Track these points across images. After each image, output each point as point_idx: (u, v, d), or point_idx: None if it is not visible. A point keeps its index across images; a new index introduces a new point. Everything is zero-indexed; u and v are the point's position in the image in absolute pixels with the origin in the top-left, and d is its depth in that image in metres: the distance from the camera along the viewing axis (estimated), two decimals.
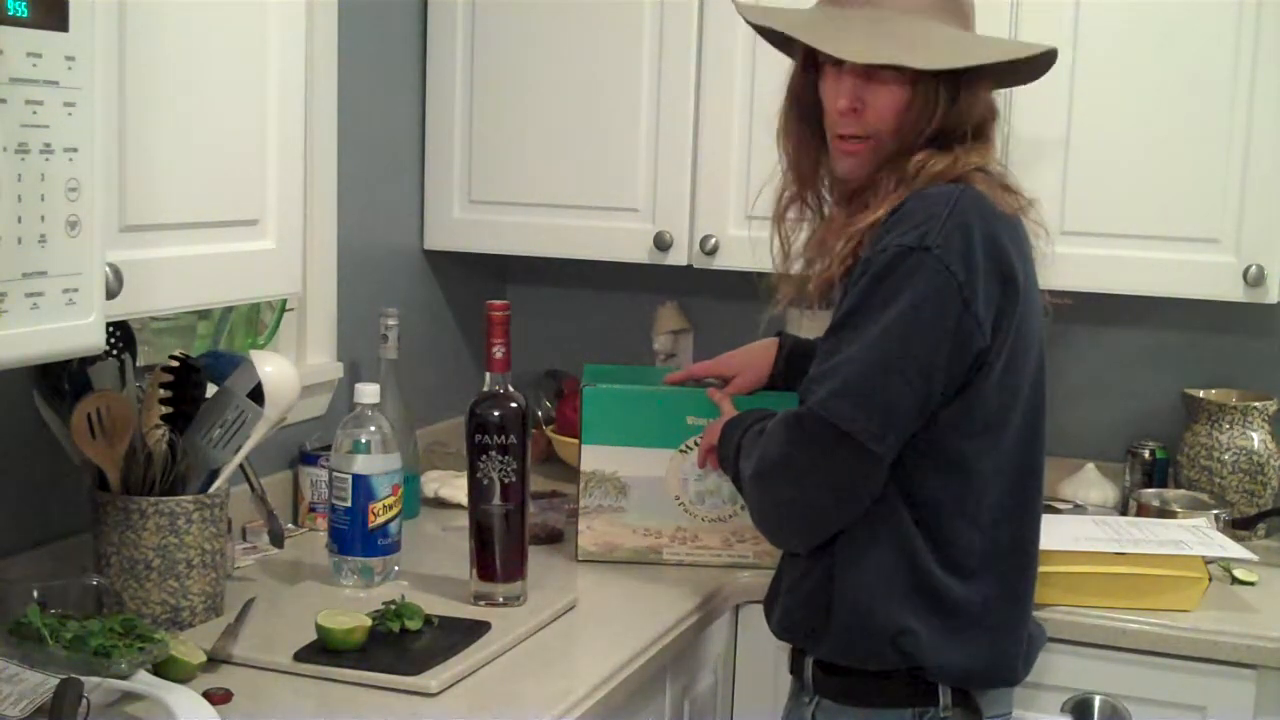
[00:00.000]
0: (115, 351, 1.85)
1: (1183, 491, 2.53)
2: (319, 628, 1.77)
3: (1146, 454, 2.62)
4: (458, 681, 1.73)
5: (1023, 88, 1.96)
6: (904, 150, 1.74)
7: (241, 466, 1.96)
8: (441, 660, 1.75)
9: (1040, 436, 1.79)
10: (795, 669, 1.88)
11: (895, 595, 1.72)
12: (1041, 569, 1.85)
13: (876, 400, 1.64)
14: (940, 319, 1.64)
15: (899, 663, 1.73)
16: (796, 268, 1.87)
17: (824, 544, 1.77)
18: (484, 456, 1.97)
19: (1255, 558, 2.18)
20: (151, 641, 1.64)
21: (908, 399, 1.65)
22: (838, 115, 1.77)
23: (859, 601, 1.74)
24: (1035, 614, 1.87)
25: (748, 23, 1.91)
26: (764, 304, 1.94)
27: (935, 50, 1.72)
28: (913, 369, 1.65)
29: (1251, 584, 2.24)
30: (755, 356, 2.18)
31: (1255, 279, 2.32)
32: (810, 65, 1.82)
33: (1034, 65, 1.83)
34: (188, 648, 1.70)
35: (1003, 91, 2.21)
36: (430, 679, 1.70)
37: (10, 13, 1.25)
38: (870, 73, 1.73)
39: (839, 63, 1.75)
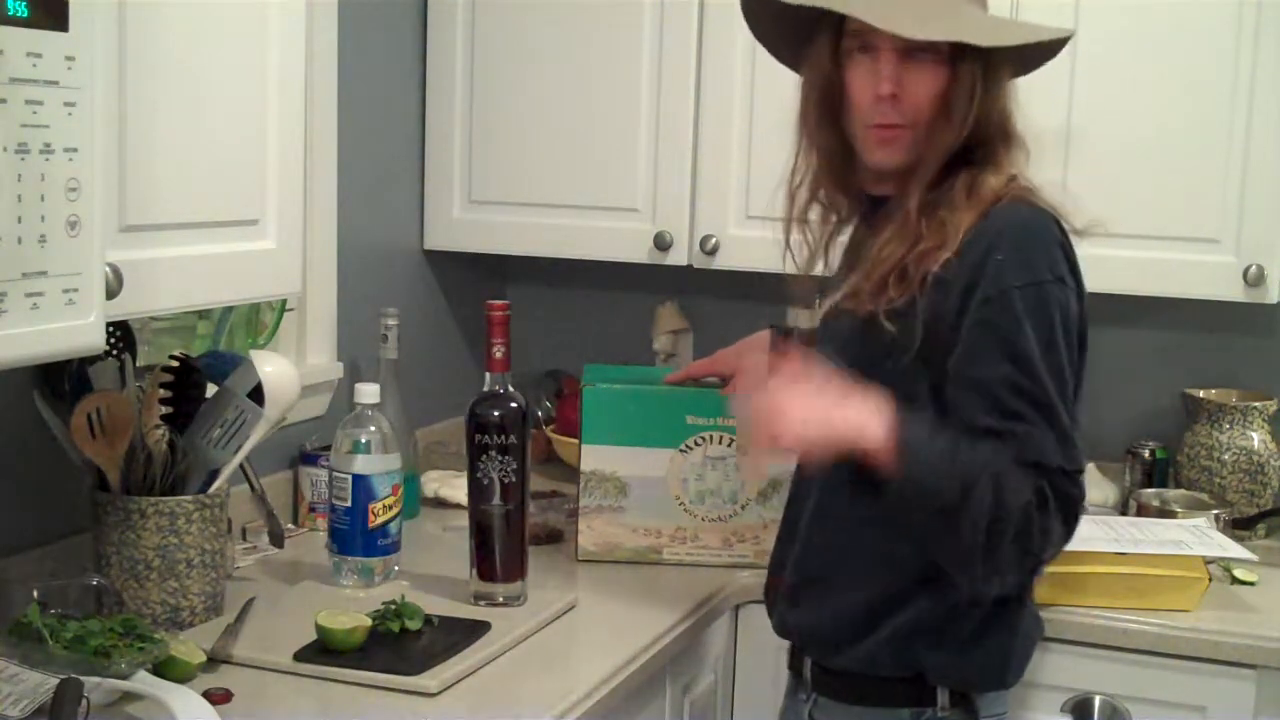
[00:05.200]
0: (115, 351, 1.85)
1: (1183, 491, 2.53)
2: (319, 628, 1.77)
3: (1146, 454, 2.62)
4: (458, 681, 1.73)
5: (1023, 88, 1.95)
6: (943, 143, 1.69)
7: (241, 466, 1.96)
8: (441, 660, 1.75)
9: None
10: (794, 666, 1.88)
11: (902, 606, 1.71)
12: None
13: (1076, 433, 1.65)
14: (1077, 336, 1.68)
15: (899, 670, 1.73)
16: (819, 268, 1.84)
17: (834, 552, 1.77)
18: (484, 456, 1.97)
19: (1255, 558, 2.18)
20: (151, 641, 1.64)
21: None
22: (874, 102, 1.70)
23: (864, 611, 1.73)
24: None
25: (760, 19, 1.81)
26: (762, 303, 1.93)
27: (985, 30, 1.68)
28: (1075, 389, 1.68)
29: (1251, 584, 2.24)
30: (750, 352, 2.19)
31: (1255, 279, 2.32)
32: (834, 56, 1.75)
33: (1043, 52, 1.79)
34: (188, 648, 1.70)
35: None
36: (430, 679, 1.70)
37: (10, 13, 1.25)
38: (907, 56, 1.68)
39: (868, 49, 1.69)
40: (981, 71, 1.68)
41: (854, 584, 1.75)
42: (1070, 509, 1.63)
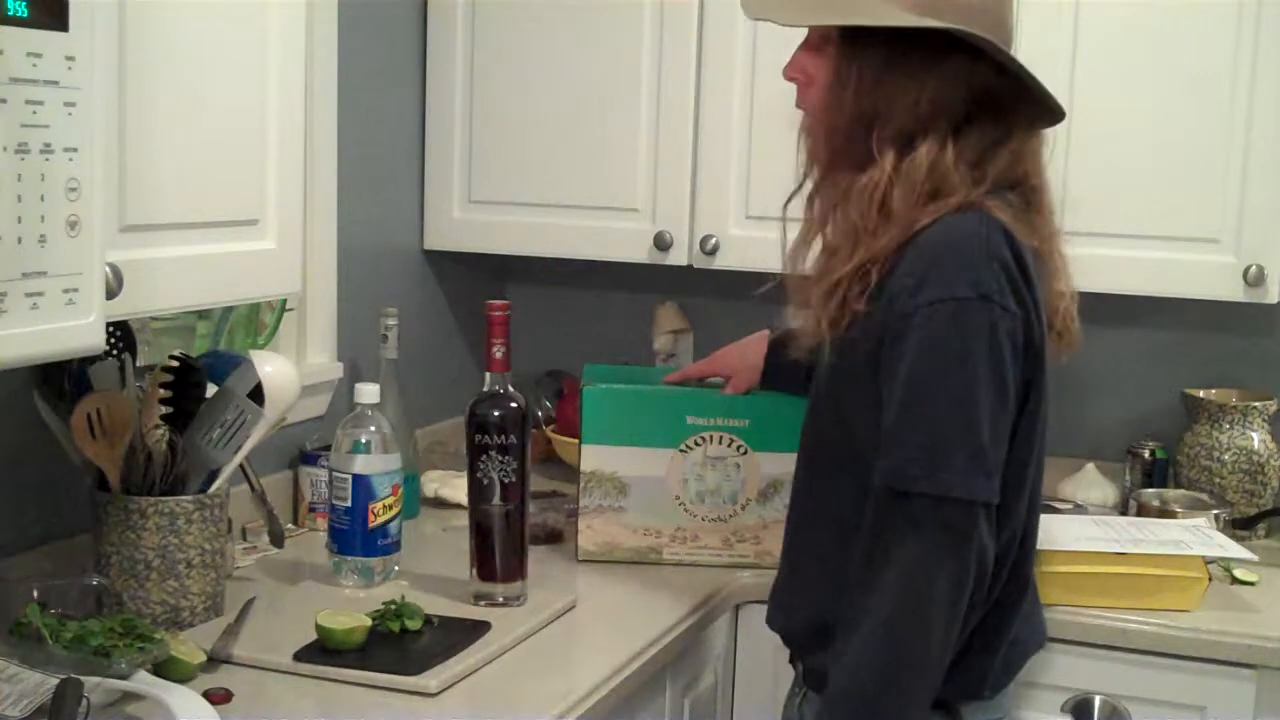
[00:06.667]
0: (115, 351, 1.85)
1: (1183, 491, 2.53)
2: (319, 628, 1.77)
3: (1146, 454, 2.62)
4: (458, 681, 1.73)
5: None
6: (819, 132, 1.63)
7: (241, 466, 1.96)
8: (441, 660, 1.75)
9: (1042, 465, 1.71)
10: (791, 660, 1.88)
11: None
12: (1042, 569, 1.84)
13: (980, 462, 1.56)
14: (1011, 360, 1.57)
15: None
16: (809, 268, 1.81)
17: (813, 562, 1.76)
18: (484, 456, 1.97)
19: (1255, 558, 2.18)
20: (151, 641, 1.64)
21: (1001, 447, 1.58)
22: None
23: (839, 619, 1.72)
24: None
25: None
26: (762, 303, 1.91)
27: (830, 9, 1.59)
28: (1000, 418, 1.57)
29: (1251, 584, 2.24)
30: (748, 353, 2.19)
31: (1255, 279, 2.32)
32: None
33: (1040, 107, 1.73)
34: (188, 648, 1.70)
35: None
36: (430, 679, 1.70)
37: (10, 13, 1.25)
38: (812, 44, 1.65)
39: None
40: (873, 55, 1.58)
41: (829, 593, 1.71)
42: (957, 533, 1.54)
